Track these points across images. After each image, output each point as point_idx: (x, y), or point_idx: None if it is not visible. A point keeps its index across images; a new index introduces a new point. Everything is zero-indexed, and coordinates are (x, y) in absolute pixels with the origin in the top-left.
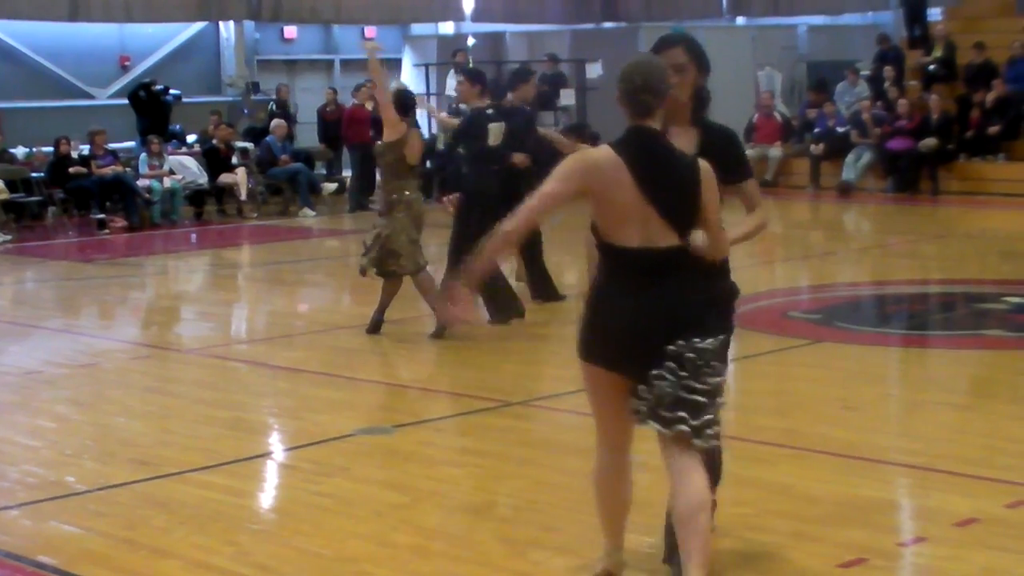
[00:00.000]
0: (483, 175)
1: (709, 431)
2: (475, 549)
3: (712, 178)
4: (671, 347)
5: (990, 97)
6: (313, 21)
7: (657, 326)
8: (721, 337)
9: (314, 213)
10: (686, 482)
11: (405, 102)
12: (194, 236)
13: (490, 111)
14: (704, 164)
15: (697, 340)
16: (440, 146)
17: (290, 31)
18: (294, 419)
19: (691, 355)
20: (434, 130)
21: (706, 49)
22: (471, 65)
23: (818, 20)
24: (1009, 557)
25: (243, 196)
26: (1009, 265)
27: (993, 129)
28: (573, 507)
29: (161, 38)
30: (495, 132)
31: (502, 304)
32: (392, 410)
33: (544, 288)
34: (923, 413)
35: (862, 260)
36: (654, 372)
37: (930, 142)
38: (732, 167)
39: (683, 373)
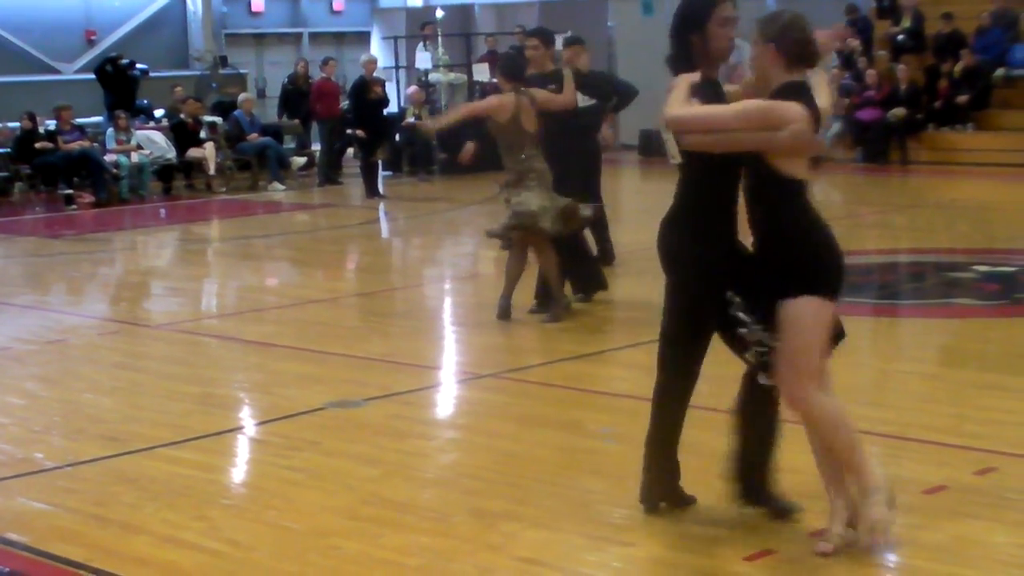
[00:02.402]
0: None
1: None
2: (446, 522)
3: None
4: None
5: (958, 67)
6: None
7: None
8: None
9: (283, 187)
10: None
11: (513, 69)
12: (163, 211)
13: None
14: None
15: None
16: (410, 119)
17: (258, 4)
18: (264, 393)
19: None
20: (403, 103)
21: None
22: (440, 35)
23: None
24: (978, 524)
25: (212, 171)
26: (978, 234)
27: (961, 99)
28: (544, 479)
29: (127, 12)
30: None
31: (586, 278)
32: (362, 383)
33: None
34: (893, 382)
35: (833, 230)
36: None
37: (899, 112)
38: None
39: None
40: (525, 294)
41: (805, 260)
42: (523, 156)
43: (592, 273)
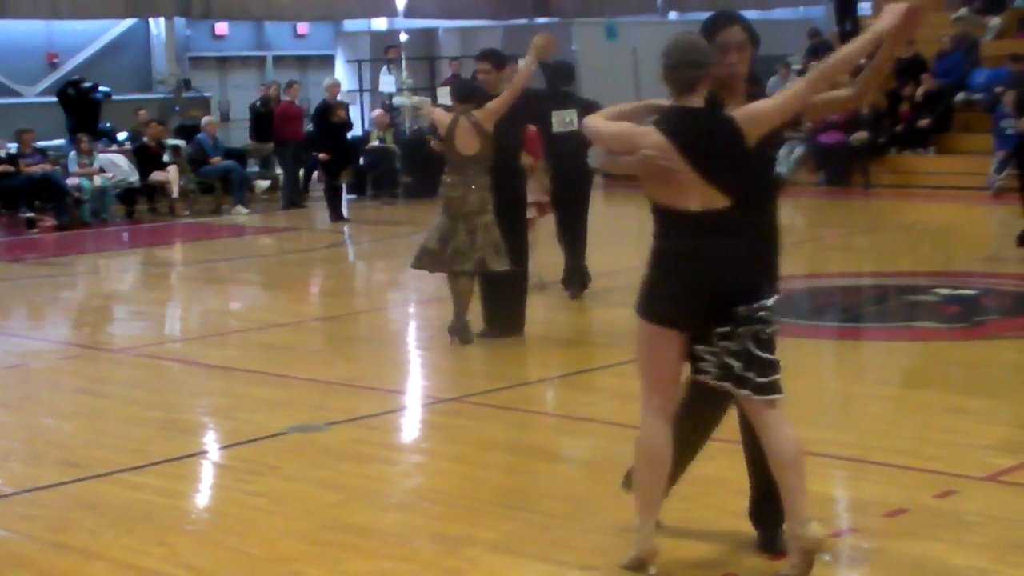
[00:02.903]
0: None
1: (776, 385)
2: (408, 547)
3: (751, 117)
4: (741, 308)
5: (919, 91)
6: (244, 18)
7: (723, 286)
8: (777, 296)
9: (247, 211)
10: (779, 434)
11: (460, 92)
12: (125, 235)
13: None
14: (740, 113)
15: (766, 300)
16: (374, 142)
17: (221, 28)
18: (226, 418)
19: (762, 314)
20: (367, 126)
21: (639, 44)
22: (403, 59)
23: (750, 15)
24: (937, 546)
25: (175, 194)
26: (940, 257)
27: (923, 122)
28: (505, 503)
29: (90, 35)
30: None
31: (499, 317)
32: (325, 408)
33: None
34: (856, 405)
35: (796, 253)
36: (723, 331)
37: (861, 135)
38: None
39: (755, 332)
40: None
41: (642, 284)
42: (446, 178)
43: (507, 315)
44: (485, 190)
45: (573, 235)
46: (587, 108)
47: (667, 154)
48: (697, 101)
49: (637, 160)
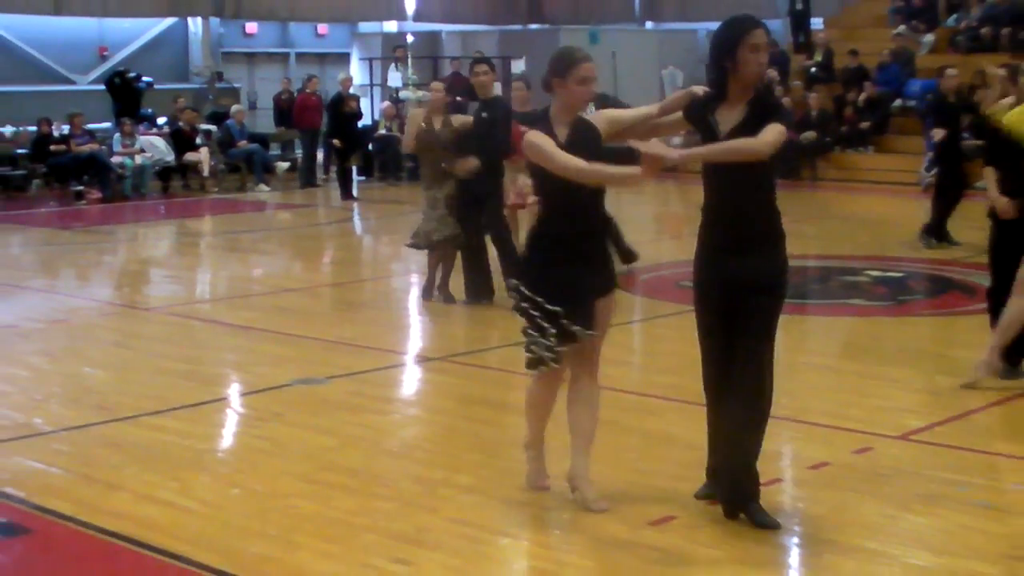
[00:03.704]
0: None
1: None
2: (392, 487)
3: (527, 147)
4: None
5: (862, 97)
6: (271, 18)
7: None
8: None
9: (268, 188)
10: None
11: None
12: (161, 208)
13: None
14: (599, 116)
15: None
16: (382, 130)
17: (251, 27)
18: (240, 370)
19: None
20: (376, 116)
21: (618, 50)
22: (410, 58)
23: (713, 26)
24: (854, 496)
25: (206, 172)
26: (874, 243)
27: (864, 124)
28: (479, 450)
29: (136, 31)
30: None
31: (475, 286)
32: (327, 364)
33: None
34: (791, 373)
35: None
36: None
37: (810, 135)
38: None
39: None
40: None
41: None
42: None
43: (481, 283)
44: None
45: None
46: (602, 100)
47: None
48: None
49: None
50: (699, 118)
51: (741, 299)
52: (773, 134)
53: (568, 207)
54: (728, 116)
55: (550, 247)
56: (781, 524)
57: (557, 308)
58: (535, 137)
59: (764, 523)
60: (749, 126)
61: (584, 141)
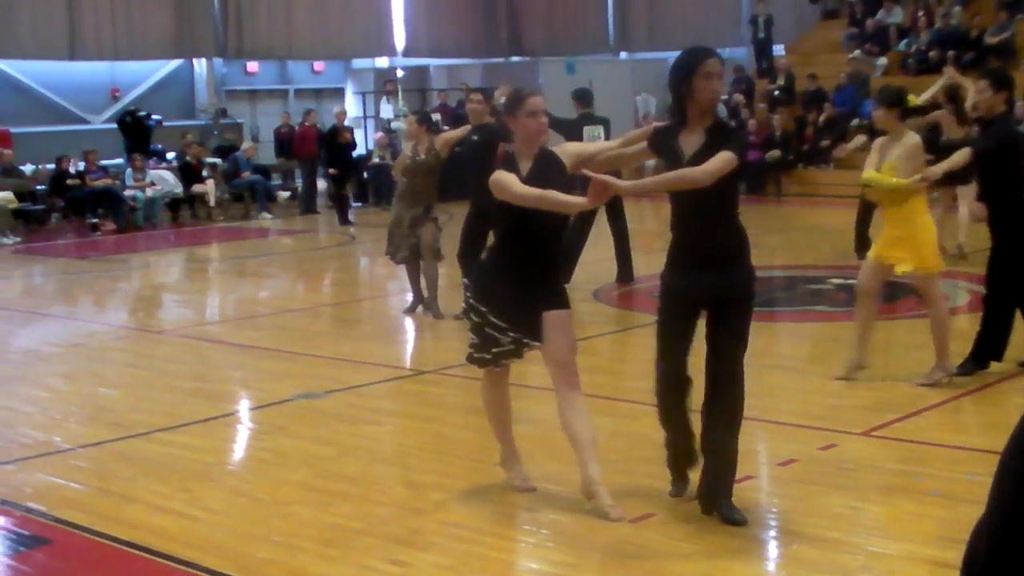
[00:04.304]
0: None
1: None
2: (387, 492)
3: (492, 182)
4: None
5: (822, 117)
6: (270, 57)
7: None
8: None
9: (270, 216)
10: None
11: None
12: (171, 236)
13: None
14: (564, 149)
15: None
16: (376, 159)
17: (252, 66)
18: (244, 387)
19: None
20: (370, 146)
21: (593, 78)
22: (400, 91)
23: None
24: (820, 489)
25: (212, 203)
26: (834, 253)
27: (824, 143)
28: (469, 457)
29: (145, 73)
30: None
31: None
32: (327, 378)
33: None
34: (761, 375)
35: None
36: None
37: (774, 153)
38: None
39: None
40: None
41: None
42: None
43: None
44: (422, 195)
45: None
46: (607, 124)
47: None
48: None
49: None
50: (664, 145)
51: (713, 310)
52: (718, 163)
53: (525, 230)
54: (689, 141)
55: (503, 266)
56: (748, 519)
57: (503, 323)
58: (499, 175)
59: (733, 519)
60: (708, 151)
61: (546, 172)
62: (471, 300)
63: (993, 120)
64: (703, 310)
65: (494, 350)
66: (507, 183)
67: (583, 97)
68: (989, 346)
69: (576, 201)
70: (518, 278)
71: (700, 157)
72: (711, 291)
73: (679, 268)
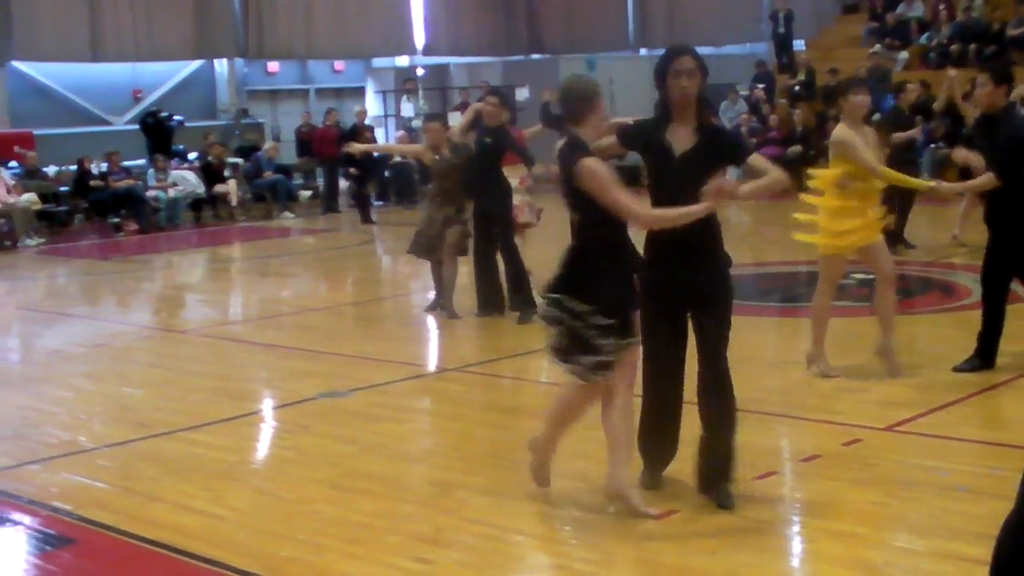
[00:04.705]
0: None
1: None
2: (411, 491)
3: (589, 173)
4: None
5: None
6: (291, 57)
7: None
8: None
9: (292, 216)
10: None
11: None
12: (194, 237)
13: None
14: (585, 164)
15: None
16: (397, 158)
17: (273, 66)
18: (268, 386)
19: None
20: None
21: (614, 75)
22: (421, 90)
23: (705, 50)
24: (842, 485)
25: (234, 203)
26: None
27: None
28: (491, 454)
29: (166, 74)
30: None
31: (484, 298)
32: (350, 377)
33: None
34: (784, 371)
35: (741, 245)
36: None
37: (795, 149)
38: (730, 152)
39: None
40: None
41: None
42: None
43: (493, 297)
44: (454, 195)
45: None
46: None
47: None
48: (585, 131)
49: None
50: (644, 141)
51: (696, 302)
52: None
53: (625, 237)
54: (678, 137)
55: (618, 272)
56: (735, 504)
57: (611, 321)
58: (635, 206)
59: (724, 504)
60: (704, 152)
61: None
62: (570, 305)
63: (996, 116)
64: (685, 308)
65: (614, 357)
66: (646, 212)
67: None
68: (992, 344)
69: (698, 209)
70: (629, 281)
71: (695, 157)
72: (692, 282)
73: (660, 262)
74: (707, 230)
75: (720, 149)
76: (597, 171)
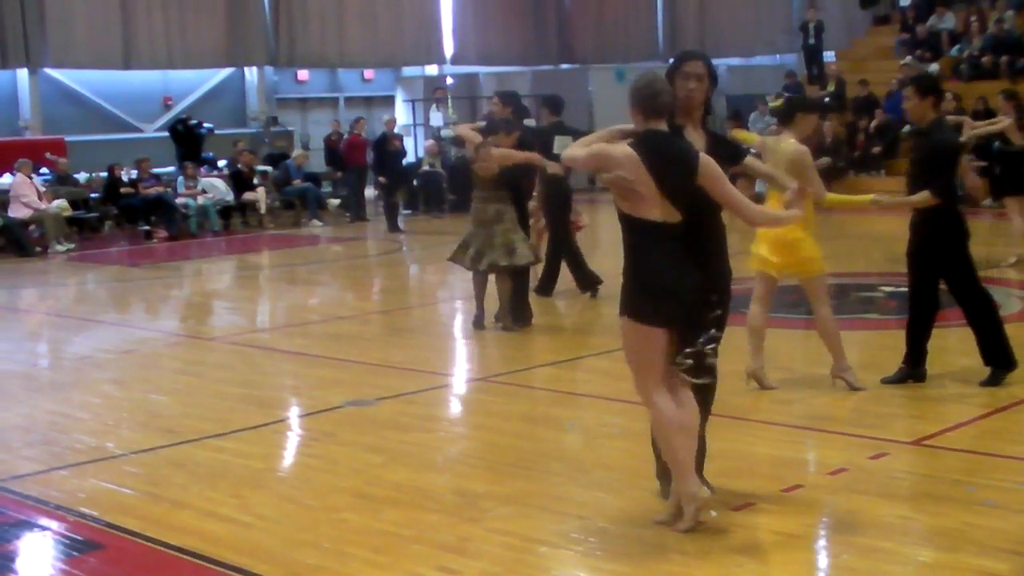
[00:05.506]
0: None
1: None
2: (436, 500)
3: (711, 167)
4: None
5: (873, 124)
6: (321, 66)
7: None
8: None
9: (321, 223)
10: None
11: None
12: (223, 244)
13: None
14: (704, 157)
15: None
16: (426, 167)
17: (303, 74)
18: (295, 394)
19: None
20: (420, 154)
21: None
22: (450, 99)
23: (735, 61)
24: (869, 499)
25: (263, 210)
26: (885, 261)
27: (875, 150)
28: (518, 464)
29: (197, 81)
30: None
31: (520, 312)
32: (376, 386)
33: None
34: (811, 384)
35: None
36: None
37: (825, 160)
38: (732, 154)
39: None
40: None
41: (626, 288)
42: (474, 194)
43: (522, 308)
44: (501, 203)
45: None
46: (578, 135)
47: (636, 169)
48: (663, 126)
49: (610, 178)
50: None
51: (697, 304)
52: None
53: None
54: (693, 140)
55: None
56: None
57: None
58: (754, 204)
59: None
60: (714, 153)
61: None
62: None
63: (926, 130)
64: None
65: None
66: (761, 211)
67: (555, 105)
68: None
69: (790, 213)
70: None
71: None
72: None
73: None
74: (710, 236)
75: (724, 151)
76: (716, 167)
